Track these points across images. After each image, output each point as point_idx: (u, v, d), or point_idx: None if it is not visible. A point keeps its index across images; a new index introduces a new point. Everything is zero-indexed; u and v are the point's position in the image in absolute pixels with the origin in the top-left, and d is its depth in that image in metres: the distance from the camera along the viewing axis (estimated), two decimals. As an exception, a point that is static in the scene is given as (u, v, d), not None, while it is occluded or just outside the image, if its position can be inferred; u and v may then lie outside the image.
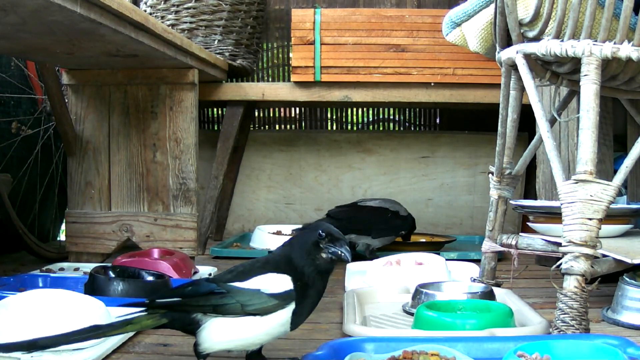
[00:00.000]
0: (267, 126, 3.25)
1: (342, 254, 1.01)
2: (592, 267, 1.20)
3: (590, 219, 1.19)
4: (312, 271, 1.01)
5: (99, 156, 2.11)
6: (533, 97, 1.34)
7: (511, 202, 1.61)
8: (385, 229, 2.25)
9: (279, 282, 0.99)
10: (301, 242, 1.03)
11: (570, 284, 1.19)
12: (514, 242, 1.52)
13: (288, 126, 3.28)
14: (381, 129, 3.29)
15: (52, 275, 1.69)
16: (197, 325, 0.99)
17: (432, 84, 2.43)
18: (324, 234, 1.02)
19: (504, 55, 1.46)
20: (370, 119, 3.32)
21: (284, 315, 0.99)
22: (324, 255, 1.01)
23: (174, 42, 1.86)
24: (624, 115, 2.03)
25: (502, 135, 1.55)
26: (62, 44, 1.67)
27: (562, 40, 1.29)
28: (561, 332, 1.17)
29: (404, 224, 2.32)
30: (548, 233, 1.55)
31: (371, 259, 2.07)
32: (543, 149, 1.73)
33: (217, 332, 0.98)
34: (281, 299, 0.98)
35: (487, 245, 1.58)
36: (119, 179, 2.10)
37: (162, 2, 2.55)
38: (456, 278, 1.74)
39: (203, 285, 1.01)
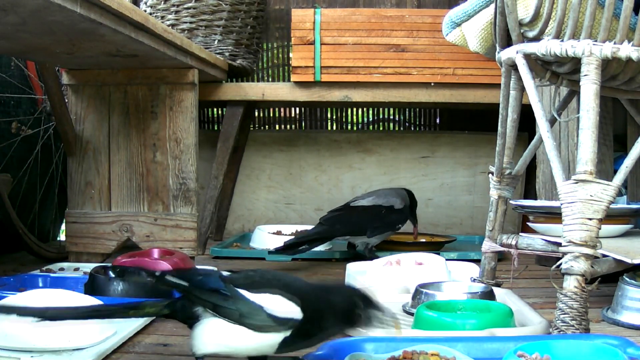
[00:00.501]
0: (267, 126, 3.25)
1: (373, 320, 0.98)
2: (592, 267, 1.20)
3: (590, 219, 1.19)
4: (332, 329, 0.99)
5: (99, 156, 2.11)
6: (533, 97, 1.34)
7: (511, 202, 1.61)
8: (381, 225, 2.21)
9: (285, 307, 0.97)
10: (338, 299, 0.99)
11: (570, 284, 1.19)
12: (514, 242, 1.52)
13: (288, 126, 3.28)
14: (381, 129, 3.29)
15: (52, 275, 1.69)
16: (195, 320, 0.99)
17: (432, 84, 2.43)
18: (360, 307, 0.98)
19: (504, 55, 1.46)
20: (370, 119, 3.32)
21: (275, 338, 0.97)
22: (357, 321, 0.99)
23: (174, 42, 1.86)
24: (624, 115, 2.03)
25: (502, 135, 1.55)
26: (62, 44, 1.67)
27: (562, 40, 1.30)
28: (561, 332, 1.18)
29: (399, 218, 2.28)
30: (548, 233, 1.55)
31: (371, 258, 2.07)
32: (543, 149, 1.73)
33: (210, 332, 0.98)
34: (278, 323, 0.96)
35: (487, 245, 1.58)
36: (119, 179, 2.10)
37: (162, 2, 2.55)
38: (456, 278, 1.74)
39: (212, 281, 1.00)
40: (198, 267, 1.91)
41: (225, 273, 1.03)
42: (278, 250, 2.13)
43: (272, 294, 0.98)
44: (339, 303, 0.98)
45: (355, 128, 3.30)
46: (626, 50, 1.24)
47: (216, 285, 0.99)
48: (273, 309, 0.97)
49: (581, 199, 1.19)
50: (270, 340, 0.97)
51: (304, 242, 2.13)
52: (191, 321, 1.00)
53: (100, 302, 1.21)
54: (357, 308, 0.98)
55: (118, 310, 1.02)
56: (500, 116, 1.54)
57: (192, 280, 1.00)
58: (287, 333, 0.97)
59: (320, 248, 2.35)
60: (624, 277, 1.42)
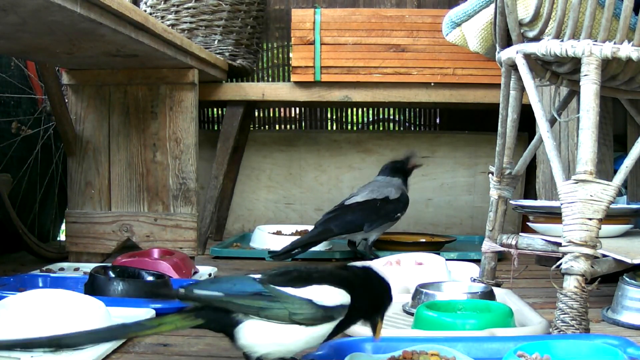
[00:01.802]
0: (267, 126, 3.25)
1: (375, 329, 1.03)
2: (592, 267, 1.20)
3: (590, 219, 1.19)
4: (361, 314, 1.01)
5: (99, 156, 2.11)
6: (533, 97, 1.34)
7: (511, 202, 1.61)
8: (377, 218, 2.17)
9: (334, 295, 0.96)
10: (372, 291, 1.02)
11: (570, 284, 1.19)
12: (514, 242, 1.52)
13: (288, 126, 3.28)
14: (381, 129, 3.29)
15: (52, 275, 1.68)
16: (235, 326, 0.95)
17: (432, 84, 2.43)
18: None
19: (504, 55, 1.46)
20: (370, 119, 3.32)
21: (329, 327, 0.97)
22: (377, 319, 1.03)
23: (174, 42, 1.86)
24: (624, 115, 2.03)
25: (502, 135, 1.55)
26: (62, 44, 1.67)
27: (562, 40, 1.29)
28: (561, 332, 1.17)
29: (397, 207, 2.23)
30: (548, 233, 1.55)
31: (371, 258, 2.07)
32: (543, 149, 1.73)
33: (256, 334, 0.94)
34: (332, 312, 0.96)
35: (487, 245, 1.58)
36: (119, 179, 2.10)
37: (162, 2, 2.55)
38: (456, 278, 1.74)
39: (249, 285, 0.96)
40: (198, 266, 1.91)
41: (255, 276, 1.00)
42: (274, 257, 2.11)
43: (319, 284, 0.97)
44: (375, 292, 1.01)
45: (355, 128, 3.30)
46: (626, 50, 1.24)
47: (255, 288, 0.95)
48: (323, 300, 0.95)
49: (581, 199, 1.19)
50: (323, 330, 0.97)
51: (297, 247, 2.11)
52: (230, 329, 0.95)
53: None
54: (386, 302, 1.01)
55: (145, 328, 0.96)
56: (500, 116, 1.54)
57: (228, 290, 0.95)
58: (340, 319, 0.97)
59: (320, 248, 2.34)
60: (624, 277, 1.42)
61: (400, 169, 2.32)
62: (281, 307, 0.94)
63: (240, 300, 0.94)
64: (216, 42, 2.57)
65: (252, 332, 0.94)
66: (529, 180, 2.68)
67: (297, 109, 3.24)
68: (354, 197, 2.25)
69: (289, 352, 0.97)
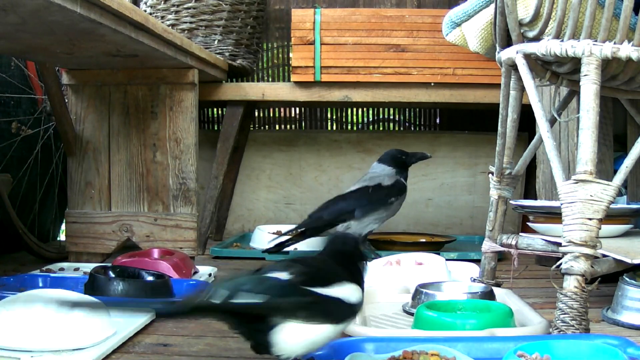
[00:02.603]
0: (267, 126, 3.25)
1: None
2: (592, 267, 1.20)
3: (590, 219, 1.19)
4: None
5: (99, 156, 2.11)
6: (533, 97, 1.34)
7: (511, 202, 1.61)
8: (369, 204, 2.13)
9: (355, 292, 0.98)
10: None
11: (570, 284, 1.19)
12: (514, 242, 1.52)
13: (288, 126, 3.28)
14: (381, 129, 3.29)
15: (52, 275, 1.68)
16: (268, 330, 0.92)
17: (432, 84, 2.43)
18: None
19: (504, 55, 1.46)
20: (370, 119, 3.32)
21: (350, 322, 0.99)
22: None
23: (174, 42, 1.86)
24: (624, 115, 2.03)
25: (502, 135, 1.55)
26: (62, 44, 1.67)
27: (562, 40, 1.30)
28: (561, 332, 1.18)
29: (390, 192, 2.16)
30: (548, 233, 1.55)
31: (372, 258, 2.07)
32: (543, 149, 1.73)
33: (292, 336, 0.93)
34: (357, 308, 0.98)
35: (487, 245, 1.58)
36: (119, 179, 2.10)
37: (162, 2, 2.55)
38: (456, 278, 1.74)
39: (284, 288, 0.93)
40: (200, 267, 1.91)
41: (281, 276, 0.95)
42: (270, 253, 2.12)
43: (341, 282, 0.98)
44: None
45: (355, 128, 3.30)
46: (626, 50, 1.24)
47: (293, 293, 0.93)
48: (349, 297, 0.97)
49: (581, 199, 1.19)
50: (345, 325, 0.99)
51: (290, 239, 2.10)
52: (260, 335, 0.92)
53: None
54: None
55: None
56: (500, 116, 1.54)
57: (265, 297, 0.91)
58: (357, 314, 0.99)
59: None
60: (624, 277, 1.42)
61: (400, 160, 2.28)
62: (320, 309, 0.94)
63: (283, 306, 0.92)
64: (216, 42, 2.57)
65: (290, 336, 0.93)
66: (529, 180, 2.68)
67: (297, 109, 3.24)
68: (349, 189, 2.23)
69: (317, 349, 0.99)
